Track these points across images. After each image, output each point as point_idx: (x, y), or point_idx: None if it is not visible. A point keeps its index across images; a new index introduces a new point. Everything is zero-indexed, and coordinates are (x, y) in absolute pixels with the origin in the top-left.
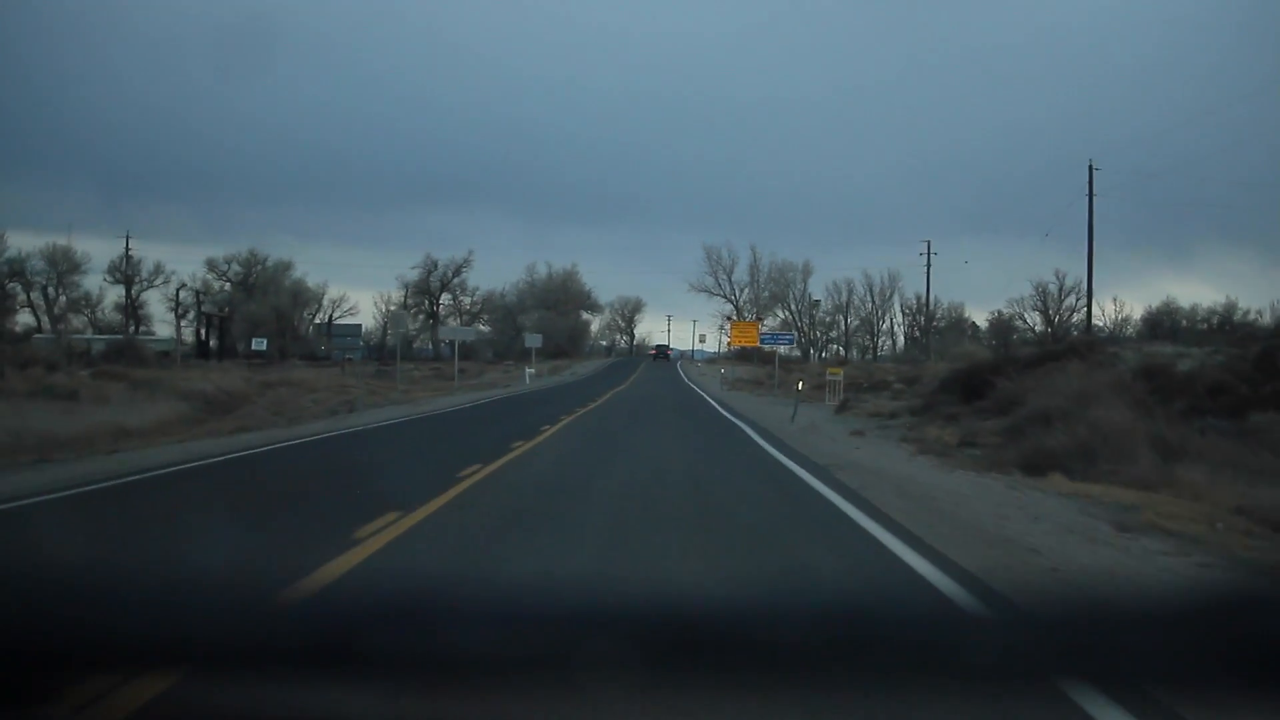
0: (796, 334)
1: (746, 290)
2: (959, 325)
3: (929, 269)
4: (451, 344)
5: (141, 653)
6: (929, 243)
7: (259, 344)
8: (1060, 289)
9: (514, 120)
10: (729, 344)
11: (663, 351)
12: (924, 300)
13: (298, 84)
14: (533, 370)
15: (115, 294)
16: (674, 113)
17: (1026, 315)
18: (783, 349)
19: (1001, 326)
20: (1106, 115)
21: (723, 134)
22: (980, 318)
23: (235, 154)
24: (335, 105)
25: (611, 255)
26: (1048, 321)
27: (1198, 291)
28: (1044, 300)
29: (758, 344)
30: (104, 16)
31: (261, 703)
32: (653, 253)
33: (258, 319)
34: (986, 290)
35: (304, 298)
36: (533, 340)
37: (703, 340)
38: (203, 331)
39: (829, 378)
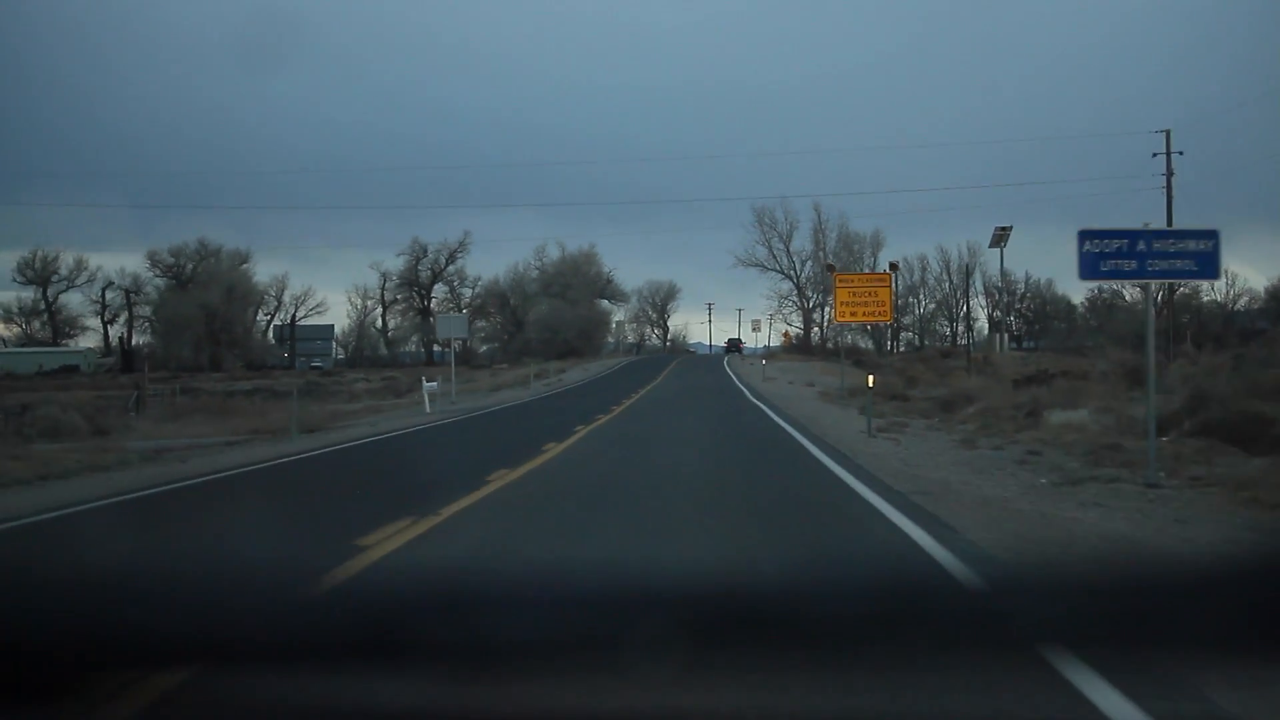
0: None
1: (810, 263)
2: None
3: (1169, 176)
4: (449, 344)
5: None
6: (1167, 133)
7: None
8: None
9: (537, 124)
10: (795, 334)
11: (734, 345)
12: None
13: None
14: (434, 384)
15: (29, 298)
16: (705, 101)
17: (1127, 292)
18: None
19: (1102, 306)
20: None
21: (763, 119)
22: (1075, 296)
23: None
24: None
25: (643, 249)
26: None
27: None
28: None
29: (890, 318)
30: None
31: None
32: (688, 247)
33: (183, 321)
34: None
35: (244, 293)
36: (450, 328)
37: (756, 329)
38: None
39: None
